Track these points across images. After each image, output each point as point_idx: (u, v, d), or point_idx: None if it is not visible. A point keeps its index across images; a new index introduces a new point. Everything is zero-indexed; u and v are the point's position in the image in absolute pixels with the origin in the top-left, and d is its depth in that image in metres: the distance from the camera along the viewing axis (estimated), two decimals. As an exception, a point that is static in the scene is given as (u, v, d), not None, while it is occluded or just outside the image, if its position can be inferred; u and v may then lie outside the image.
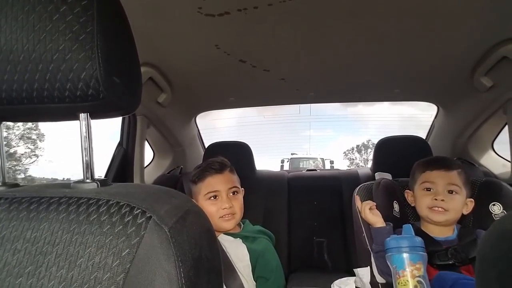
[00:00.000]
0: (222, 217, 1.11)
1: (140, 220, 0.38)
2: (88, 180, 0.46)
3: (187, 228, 0.41)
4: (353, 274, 1.10)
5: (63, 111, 0.46)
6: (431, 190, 1.06)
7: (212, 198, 1.13)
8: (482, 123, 1.55)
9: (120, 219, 0.38)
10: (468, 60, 1.25)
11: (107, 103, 0.44)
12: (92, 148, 0.47)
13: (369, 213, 1.08)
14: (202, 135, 2.10)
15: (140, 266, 0.37)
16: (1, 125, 0.50)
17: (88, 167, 0.47)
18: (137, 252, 0.37)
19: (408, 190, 1.17)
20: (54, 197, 0.42)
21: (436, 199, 1.04)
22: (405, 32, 1.06)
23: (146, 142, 1.61)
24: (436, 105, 1.78)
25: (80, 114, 0.46)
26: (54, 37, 0.41)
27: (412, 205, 1.14)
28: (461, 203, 1.06)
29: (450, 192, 1.05)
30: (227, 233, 1.13)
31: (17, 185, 0.50)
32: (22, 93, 0.42)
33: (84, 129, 0.46)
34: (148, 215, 0.38)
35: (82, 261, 0.37)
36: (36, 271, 0.38)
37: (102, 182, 0.46)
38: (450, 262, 0.96)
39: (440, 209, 1.03)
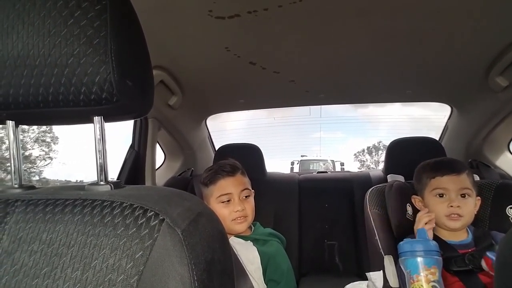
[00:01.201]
0: (235, 219, 1.11)
1: (153, 223, 0.38)
2: (102, 183, 0.47)
3: (200, 231, 0.41)
4: (365, 278, 1.08)
5: (78, 115, 0.47)
6: (444, 196, 1.03)
7: (226, 201, 1.13)
8: (498, 123, 1.52)
9: (133, 221, 0.39)
10: (482, 60, 1.22)
11: (121, 106, 0.44)
12: (106, 150, 0.47)
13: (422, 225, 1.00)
14: (212, 137, 2.10)
15: (153, 269, 0.37)
16: (18, 128, 0.51)
17: (102, 169, 0.47)
18: (150, 255, 0.37)
19: (415, 196, 1.12)
20: (69, 199, 0.42)
21: (452, 206, 1.00)
22: (416, 31, 1.04)
23: (157, 145, 1.62)
24: (450, 106, 1.75)
25: (94, 117, 0.47)
26: (69, 41, 0.41)
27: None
28: (473, 205, 1.03)
29: (463, 196, 1.02)
30: (238, 235, 1.13)
31: (33, 187, 0.51)
32: (38, 97, 0.43)
33: (98, 132, 0.47)
34: (161, 217, 0.39)
35: (97, 263, 0.38)
36: (51, 272, 0.38)
37: (116, 185, 0.47)
38: (468, 268, 0.94)
39: (456, 215, 1.00)
